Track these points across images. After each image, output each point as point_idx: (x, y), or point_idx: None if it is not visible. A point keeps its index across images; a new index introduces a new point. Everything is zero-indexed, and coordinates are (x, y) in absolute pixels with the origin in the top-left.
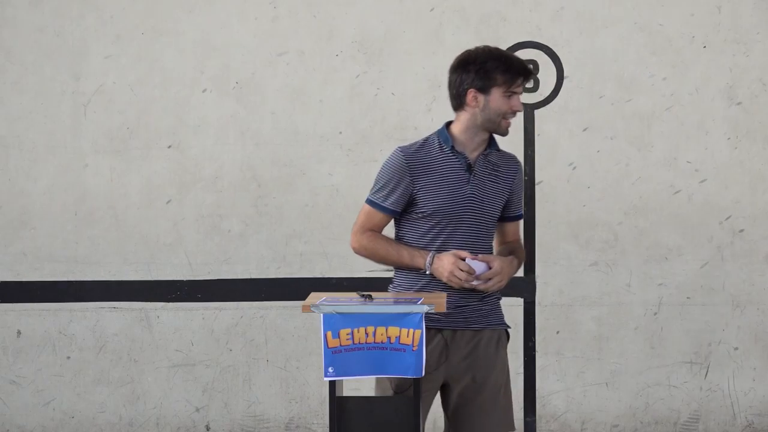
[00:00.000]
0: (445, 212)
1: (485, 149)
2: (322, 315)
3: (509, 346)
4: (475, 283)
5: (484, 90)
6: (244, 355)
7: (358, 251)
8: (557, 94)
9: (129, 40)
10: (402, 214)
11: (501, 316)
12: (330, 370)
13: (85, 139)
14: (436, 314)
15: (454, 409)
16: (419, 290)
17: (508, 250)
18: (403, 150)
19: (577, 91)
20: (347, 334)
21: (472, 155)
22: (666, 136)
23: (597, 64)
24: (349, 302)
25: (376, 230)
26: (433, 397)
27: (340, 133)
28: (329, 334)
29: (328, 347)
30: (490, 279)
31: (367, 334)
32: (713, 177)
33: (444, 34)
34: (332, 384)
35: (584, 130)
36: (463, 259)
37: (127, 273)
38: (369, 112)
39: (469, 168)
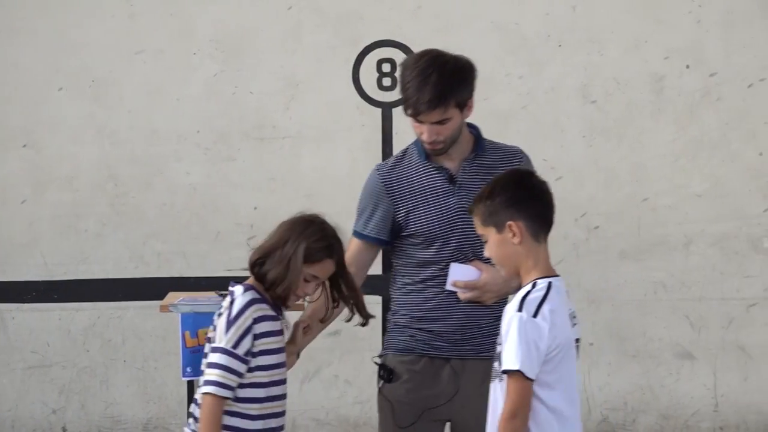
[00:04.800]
0: (434, 231)
1: (469, 154)
2: (180, 315)
3: None
4: (457, 290)
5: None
6: (102, 355)
7: None
8: None
9: None
10: (393, 242)
11: None
12: (188, 369)
13: None
14: (443, 342)
15: None
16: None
17: None
18: (379, 168)
19: None
20: (206, 334)
21: (453, 164)
22: (522, 134)
23: None
24: (207, 302)
25: (361, 265)
26: None
27: (198, 132)
28: (187, 333)
29: (186, 347)
30: (473, 289)
31: None
32: (568, 174)
33: (302, 33)
34: (190, 384)
35: None
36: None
37: None
38: (226, 111)
39: (452, 179)
